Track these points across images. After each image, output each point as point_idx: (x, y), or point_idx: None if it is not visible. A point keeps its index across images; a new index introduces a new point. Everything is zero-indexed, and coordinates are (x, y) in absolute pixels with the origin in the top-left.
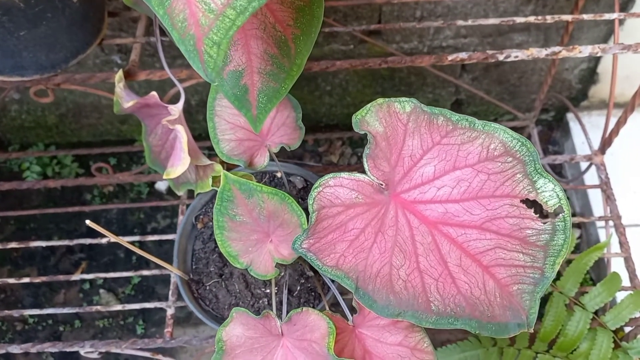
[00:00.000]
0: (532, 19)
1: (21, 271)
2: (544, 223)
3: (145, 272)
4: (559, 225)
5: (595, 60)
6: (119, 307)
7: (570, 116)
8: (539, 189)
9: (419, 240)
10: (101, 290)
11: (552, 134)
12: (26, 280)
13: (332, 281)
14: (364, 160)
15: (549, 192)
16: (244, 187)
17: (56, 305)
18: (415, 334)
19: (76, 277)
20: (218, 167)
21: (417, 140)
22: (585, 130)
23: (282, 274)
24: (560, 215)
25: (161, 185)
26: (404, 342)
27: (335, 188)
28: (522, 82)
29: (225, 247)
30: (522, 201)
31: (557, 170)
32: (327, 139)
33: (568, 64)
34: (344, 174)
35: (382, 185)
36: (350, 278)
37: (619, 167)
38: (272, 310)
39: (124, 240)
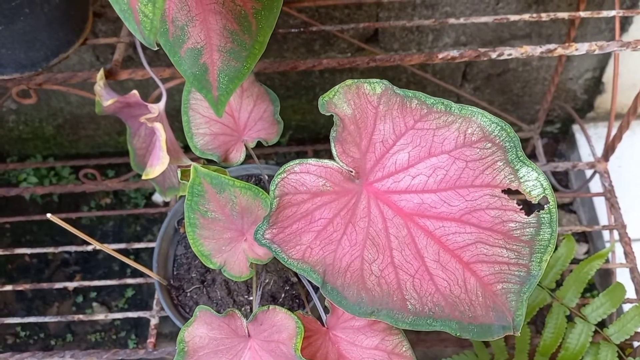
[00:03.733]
0: (526, 16)
1: (15, 284)
2: (528, 215)
3: (130, 281)
4: (544, 217)
5: (601, 70)
6: (101, 317)
7: (576, 127)
8: (521, 178)
9: (393, 233)
10: (94, 304)
11: (558, 146)
12: (9, 288)
13: (316, 290)
14: (332, 144)
15: (532, 181)
16: (215, 180)
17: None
18: (393, 337)
19: (59, 285)
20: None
21: (389, 124)
22: (588, 137)
23: (267, 280)
24: (546, 206)
25: (158, 198)
26: (381, 346)
27: (301, 175)
28: (525, 92)
29: (197, 246)
30: (504, 191)
31: (563, 183)
32: (327, 150)
33: (572, 74)
34: (312, 160)
35: (352, 172)
36: (316, 271)
37: (627, 181)
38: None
39: (96, 241)
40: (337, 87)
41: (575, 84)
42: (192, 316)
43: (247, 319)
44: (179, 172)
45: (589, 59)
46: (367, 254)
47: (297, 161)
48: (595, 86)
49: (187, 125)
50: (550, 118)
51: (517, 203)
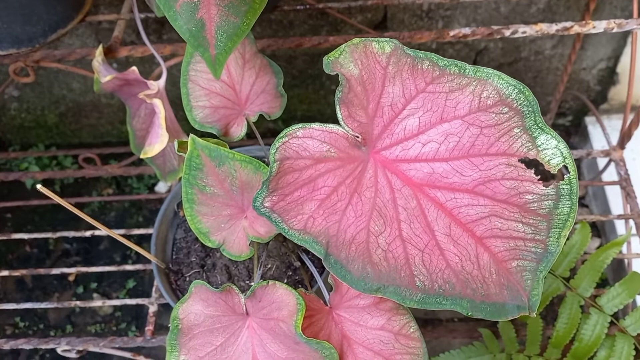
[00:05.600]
0: None
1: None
2: (546, 187)
3: (129, 267)
4: (563, 189)
5: (615, 59)
6: (99, 303)
7: (589, 120)
8: (539, 146)
9: (401, 205)
10: (95, 295)
11: (570, 139)
12: (5, 273)
13: (320, 273)
14: (337, 106)
15: (552, 149)
16: (213, 153)
17: (48, 310)
18: (400, 317)
19: (56, 271)
20: None
21: (398, 86)
22: (602, 125)
23: (270, 266)
24: (566, 177)
25: (161, 188)
26: (387, 326)
27: (303, 139)
28: (537, 83)
29: (195, 223)
30: (521, 161)
31: None
32: None
33: (586, 63)
34: (315, 125)
35: (358, 138)
36: (319, 242)
37: None
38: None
39: (96, 222)
40: (343, 45)
41: (588, 75)
42: None
43: (245, 295)
44: (175, 143)
45: (603, 48)
46: (374, 225)
47: (299, 125)
48: (609, 77)
49: (186, 98)
50: (563, 110)
51: (534, 173)
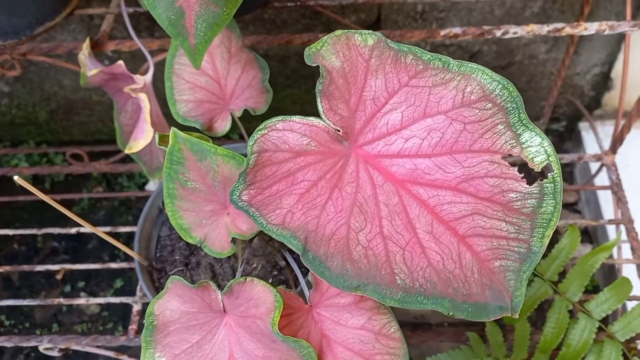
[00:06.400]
0: None
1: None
2: (530, 185)
3: (114, 265)
4: (547, 187)
5: (609, 65)
6: (82, 301)
7: (582, 125)
8: (524, 143)
9: (383, 201)
10: (82, 294)
11: (564, 145)
12: None
13: (305, 274)
14: (318, 98)
15: (536, 147)
16: (195, 147)
17: (34, 308)
18: (381, 317)
19: (41, 267)
20: None
21: (381, 80)
22: (595, 130)
23: (255, 265)
24: (549, 175)
25: (152, 187)
26: (367, 326)
27: (283, 132)
28: (530, 87)
29: (176, 219)
30: (504, 158)
31: (568, 182)
32: None
33: (580, 68)
34: (296, 118)
35: (339, 132)
36: (297, 237)
37: (634, 179)
38: None
39: (81, 220)
40: (325, 37)
41: (582, 80)
42: None
43: (222, 292)
44: (157, 136)
45: (597, 53)
46: (354, 222)
47: (279, 118)
48: (603, 82)
49: (170, 92)
50: (556, 115)
51: (518, 171)
